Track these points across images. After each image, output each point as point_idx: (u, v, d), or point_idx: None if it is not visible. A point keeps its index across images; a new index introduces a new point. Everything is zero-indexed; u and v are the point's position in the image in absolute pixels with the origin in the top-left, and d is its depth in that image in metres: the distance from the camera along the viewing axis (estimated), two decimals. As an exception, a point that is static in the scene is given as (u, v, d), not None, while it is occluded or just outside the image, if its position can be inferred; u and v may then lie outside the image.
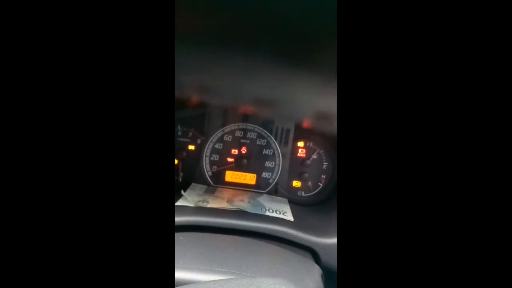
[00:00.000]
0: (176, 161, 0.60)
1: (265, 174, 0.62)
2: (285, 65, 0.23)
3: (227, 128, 0.61)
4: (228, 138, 0.61)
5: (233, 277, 0.31)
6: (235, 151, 0.62)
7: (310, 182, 0.63)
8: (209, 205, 0.50)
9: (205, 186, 0.61)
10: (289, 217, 0.50)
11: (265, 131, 0.61)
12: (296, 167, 0.63)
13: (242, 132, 0.61)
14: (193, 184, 0.60)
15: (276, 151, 0.61)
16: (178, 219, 0.43)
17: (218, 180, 0.62)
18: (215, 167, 0.62)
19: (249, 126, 0.61)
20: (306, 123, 0.55)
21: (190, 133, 0.62)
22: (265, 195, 0.60)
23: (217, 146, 0.62)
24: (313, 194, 0.63)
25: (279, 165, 0.61)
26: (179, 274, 0.31)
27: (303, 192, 0.64)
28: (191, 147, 0.62)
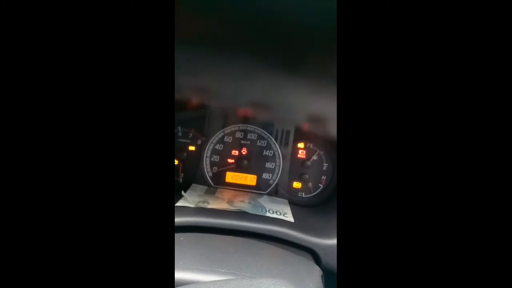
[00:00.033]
0: (176, 162, 0.60)
1: (265, 175, 0.62)
2: (283, 69, 0.23)
3: (228, 129, 0.61)
4: (228, 139, 0.62)
5: (233, 277, 0.31)
6: (235, 152, 0.62)
7: (310, 183, 0.63)
8: (209, 206, 0.50)
9: (206, 187, 0.61)
10: (290, 218, 0.50)
11: (266, 132, 0.61)
12: (297, 168, 0.63)
13: (243, 133, 0.61)
14: (193, 185, 0.60)
15: (276, 152, 0.61)
16: (179, 219, 0.43)
17: (219, 181, 0.62)
18: (216, 168, 0.62)
19: (250, 127, 0.61)
20: (305, 125, 0.55)
21: (191, 134, 0.62)
22: (265, 196, 0.60)
23: (217, 147, 0.62)
24: (313, 195, 0.63)
25: (279, 166, 0.61)
26: (179, 275, 0.31)
27: (303, 193, 0.64)
28: (192, 148, 0.62)
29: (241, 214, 0.48)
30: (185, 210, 0.47)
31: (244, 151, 0.61)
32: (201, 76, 0.25)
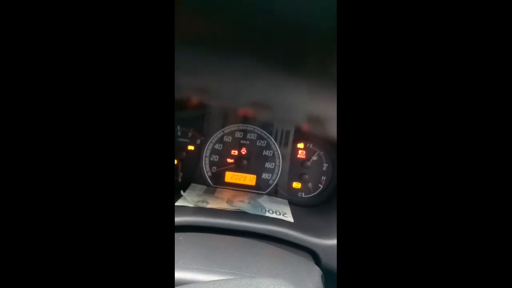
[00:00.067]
0: (175, 162, 0.60)
1: (265, 175, 0.62)
2: (283, 69, 0.23)
3: (227, 129, 0.61)
4: (228, 139, 0.61)
5: (232, 277, 0.31)
6: (235, 152, 0.62)
7: (310, 184, 0.63)
8: (208, 206, 0.50)
9: (205, 187, 0.60)
10: (289, 218, 0.50)
11: (265, 132, 0.61)
12: (296, 169, 0.63)
13: (242, 133, 0.61)
14: (192, 184, 0.60)
15: (276, 152, 0.61)
16: (178, 219, 0.43)
17: (218, 180, 0.62)
18: (215, 167, 0.62)
19: (249, 127, 0.61)
20: (305, 125, 0.55)
21: (190, 134, 0.62)
22: (265, 196, 0.60)
23: (216, 146, 0.62)
24: (313, 196, 0.63)
25: (279, 166, 0.61)
26: (178, 274, 0.31)
27: (303, 193, 0.64)
28: (191, 148, 0.62)
29: (241, 214, 0.48)
30: (184, 209, 0.47)
31: (243, 151, 0.61)
32: (201, 76, 0.25)
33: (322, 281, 0.37)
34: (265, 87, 0.26)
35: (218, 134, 0.61)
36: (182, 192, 0.53)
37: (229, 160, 0.62)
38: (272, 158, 0.61)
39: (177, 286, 0.26)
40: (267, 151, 0.61)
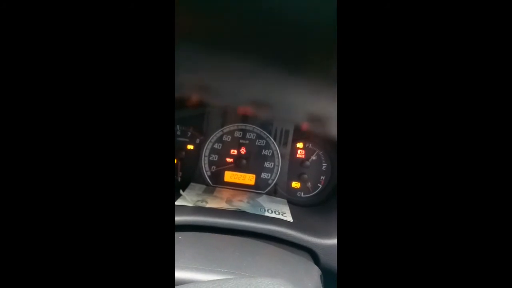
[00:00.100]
0: (175, 161, 0.60)
1: (264, 175, 0.62)
2: (283, 68, 0.23)
3: (226, 128, 0.61)
4: (227, 138, 0.61)
5: (231, 277, 0.31)
6: (234, 152, 0.62)
7: (309, 183, 0.63)
8: (208, 205, 0.50)
9: (204, 186, 0.60)
10: (288, 217, 0.50)
11: (264, 131, 0.61)
12: (296, 168, 0.63)
13: (241, 133, 0.61)
14: (192, 184, 0.60)
15: (275, 152, 0.61)
16: (177, 218, 0.43)
17: (217, 180, 0.62)
18: (214, 167, 0.62)
19: (248, 126, 0.61)
20: (304, 125, 0.55)
21: (189, 133, 0.62)
22: (264, 195, 0.60)
23: (216, 146, 0.61)
24: (312, 195, 0.63)
25: (278, 165, 0.61)
26: (178, 274, 0.31)
27: (302, 193, 0.64)
28: (190, 147, 0.62)
29: (240, 214, 0.48)
30: (184, 209, 0.47)
31: (243, 150, 0.61)
32: (201, 74, 0.25)
33: (321, 281, 0.37)
34: (265, 85, 0.26)
35: (218, 134, 0.61)
36: (181, 191, 0.53)
37: (229, 160, 0.62)
38: (272, 158, 0.61)
39: (176, 285, 0.26)
40: (267, 150, 0.61)
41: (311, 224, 0.50)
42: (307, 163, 0.62)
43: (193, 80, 0.26)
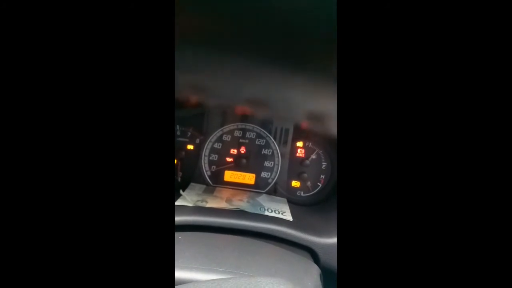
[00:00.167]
0: (175, 161, 0.60)
1: (264, 174, 0.62)
2: (283, 66, 0.23)
3: (226, 128, 0.61)
4: (227, 138, 0.62)
5: (231, 276, 0.31)
6: (234, 151, 0.62)
7: (309, 182, 0.63)
8: (208, 205, 0.50)
9: (204, 186, 0.61)
10: (288, 217, 0.50)
11: (264, 131, 0.61)
12: (295, 167, 0.63)
13: (241, 132, 0.61)
14: (192, 183, 0.60)
15: (275, 151, 0.62)
16: (177, 218, 0.43)
17: (217, 179, 0.62)
18: (214, 166, 0.62)
19: (248, 126, 0.61)
20: (304, 124, 0.55)
21: (189, 133, 0.62)
22: (264, 195, 0.60)
23: (216, 145, 0.62)
24: (312, 194, 0.64)
25: (278, 165, 0.61)
26: (178, 274, 0.31)
27: (302, 192, 0.64)
28: (190, 147, 0.62)
29: (240, 213, 0.48)
30: (184, 209, 0.47)
31: (242, 149, 0.61)
32: (198, 74, 0.25)
33: (320, 280, 0.37)
34: (264, 84, 0.26)
35: (217, 133, 0.61)
36: (181, 191, 0.53)
37: (228, 159, 0.62)
38: (271, 157, 0.62)
39: (176, 285, 0.26)
40: (266, 149, 0.62)
41: (311, 223, 0.50)
42: (307, 162, 0.62)
43: (190, 79, 0.26)
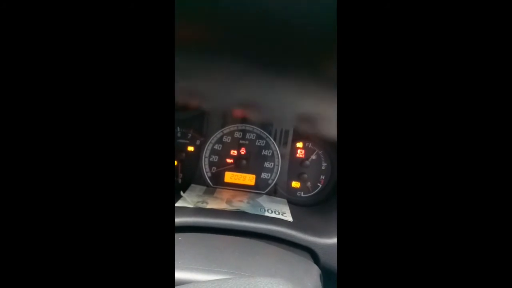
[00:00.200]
0: (175, 163, 0.60)
1: (264, 175, 0.62)
2: (282, 68, 0.24)
3: (226, 129, 0.61)
4: (227, 139, 0.62)
5: (231, 277, 0.31)
6: (234, 152, 0.62)
7: (309, 183, 0.63)
8: (208, 206, 0.50)
9: (204, 187, 0.61)
10: (288, 217, 0.50)
11: (264, 132, 0.61)
12: (295, 168, 0.63)
13: (241, 133, 0.62)
14: (192, 185, 0.60)
15: (275, 152, 0.62)
16: (177, 220, 0.43)
17: (218, 181, 0.62)
18: (214, 168, 0.62)
19: (248, 127, 0.61)
20: (304, 124, 0.55)
21: (189, 134, 0.62)
22: (264, 195, 0.61)
23: (216, 147, 0.62)
24: (312, 195, 0.64)
25: (278, 165, 0.62)
26: (178, 274, 0.31)
27: (302, 193, 0.64)
28: (190, 148, 0.62)
29: (240, 214, 0.48)
30: (184, 210, 0.47)
31: (242, 151, 0.62)
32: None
33: (320, 280, 0.37)
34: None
35: (218, 135, 0.61)
36: (182, 193, 0.54)
37: (229, 160, 0.62)
38: (271, 158, 0.62)
39: (176, 286, 0.26)
40: (266, 150, 0.62)
41: (311, 223, 0.50)
42: (307, 162, 0.62)
43: (184, 85, 0.26)
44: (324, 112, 0.25)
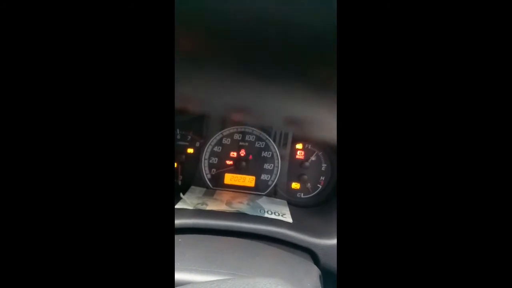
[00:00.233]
0: (175, 165, 0.61)
1: (264, 176, 0.62)
2: (281, 70, 0.24)
3: (226, 131, 0.62)
4: (227, 141, 0.62)
5: (231, 277, 0.31)
6: (234, 154, 0.62)
7: (309, 184, 0.63)
8: (208, 208, 0.50)
9: (204, 189, 0.61)
10: (288, 218, 0.50)
11: (264, 133, 0.62)
12: (295, 169, 0.63)
13: (241, 135, 0.62)
14: (192, 187, 0.60)
15: (275, 153, 0.62)
16: (177, 221, 0.43)
17: (217, 182, 0.62)
18: (214, 169, 0.62)
19: (248, 128, 0.62)
20: (303, 125, 0.55)
21: (189, 137, 0.62)
22: (264, 197, 0.61)
23: (216, 149, 0.62)
24: (312, 196, 0.64)
25: (278, 167, 0.62)
26: (178, 276, 0.31)
27: (302, 194, 0.64)
28: (190, 150, 0.62)
29: (240, 215, 0.48)
30: (184, 212, 0.47)
31: (242, 152, 0.62)
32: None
33: (320, 281, 0.37)
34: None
35: (217, 137, 0.62)
36: (181, 194, 0.54)
37: (228, 162, 0.62)
38: (271, 159, 0.62)
39: (176, 287, 0.26)
40: (266, 152, 0.62)
41: (311, 224, 0.50)
42: (307, 164, 0.62)
43: (188, 92, 0.26)
44: (322, 115, 0.25)
